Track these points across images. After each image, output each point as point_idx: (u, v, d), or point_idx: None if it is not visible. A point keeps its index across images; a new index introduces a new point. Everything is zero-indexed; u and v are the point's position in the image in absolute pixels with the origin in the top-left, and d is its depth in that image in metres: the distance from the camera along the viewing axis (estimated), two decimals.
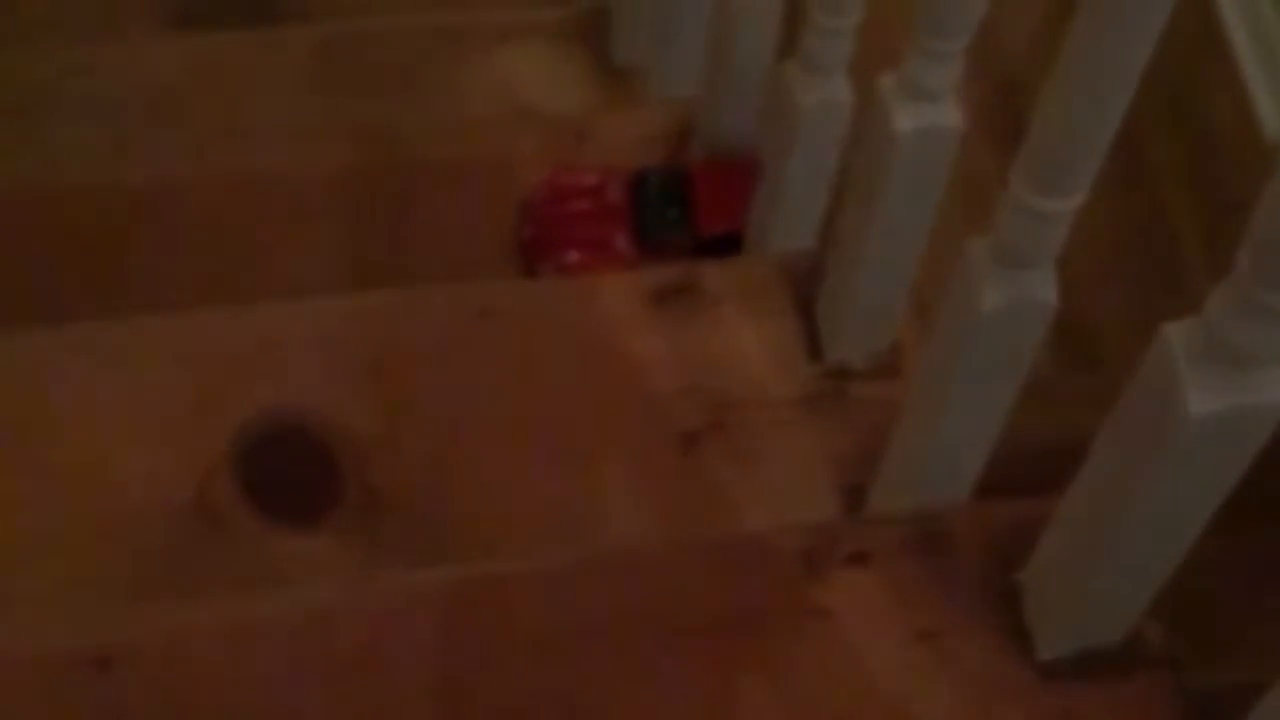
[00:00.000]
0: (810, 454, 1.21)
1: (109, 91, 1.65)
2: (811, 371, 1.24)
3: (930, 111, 1.05)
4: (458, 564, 1.14)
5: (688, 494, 1.20)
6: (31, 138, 1.58)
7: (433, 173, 1.54)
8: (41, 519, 1.16)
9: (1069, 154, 0.88)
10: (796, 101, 1.22)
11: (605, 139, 1.53)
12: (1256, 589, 1.09)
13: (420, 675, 1.02)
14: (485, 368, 1.25)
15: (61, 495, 1.18)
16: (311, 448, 1.20)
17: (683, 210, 1.42)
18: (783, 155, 1.27)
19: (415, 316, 1.29)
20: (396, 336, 1.27)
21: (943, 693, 1.00)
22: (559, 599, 1.05)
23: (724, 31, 1.36)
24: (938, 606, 1.02)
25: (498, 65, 1.69)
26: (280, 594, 1.10)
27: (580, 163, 1.49)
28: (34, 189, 1.50)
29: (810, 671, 1.01)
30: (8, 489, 1.17)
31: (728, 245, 1.40)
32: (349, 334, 1.27)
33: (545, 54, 1.71)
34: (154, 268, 1.46)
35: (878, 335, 1.23)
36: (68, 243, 1.47)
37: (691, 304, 1.27)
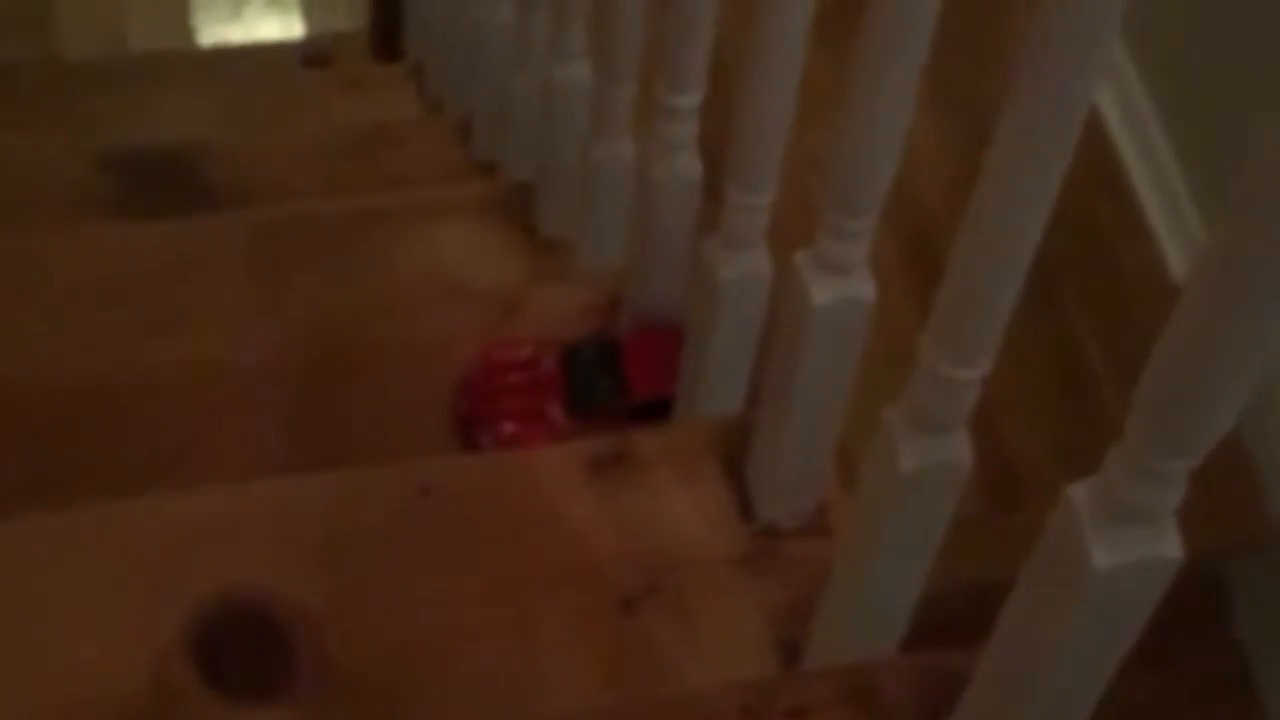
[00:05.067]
0: (746, 612, 1.25)
1: (46, 281, 1.69)
2: (744, 532, 1.29)
3: (844, 284, 1.12)
4: None
5: (629, 655, 1.24)
6: None
7: (369, 352, 1.58)
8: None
9: (974, 327, 0.94)
10: (717, 276, 1.28)
11: (536, 312, 1.59)
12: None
13: None
14: (430, 542, 1.29)
15: (16, 686, 1.21)
16: (265, 626, 1.24)
17: (614, 378, 1.48)
18: (707, 327, 1.33)
19: (360, 495, 1.33)
20: (342, 515, 1.31)
21: None
22: None
23: (645, 207, 1.43)
24: None
25: (428, 243, 1.75)
26: None
27: (512, 336, 1.55)
28: None
29: None
30: None
31: (659, 409, 1.46)
32: (295, 514, 1.31)
33: (473, 230, 1.77)
34: (95, 457, 1.49)
35: (805, 495, 1.29)
36: (6, 435, 1.50)
37: (626, 471, 1.33)
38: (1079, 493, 0.84)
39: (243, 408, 1.54)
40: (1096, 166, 1.62)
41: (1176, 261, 1.56)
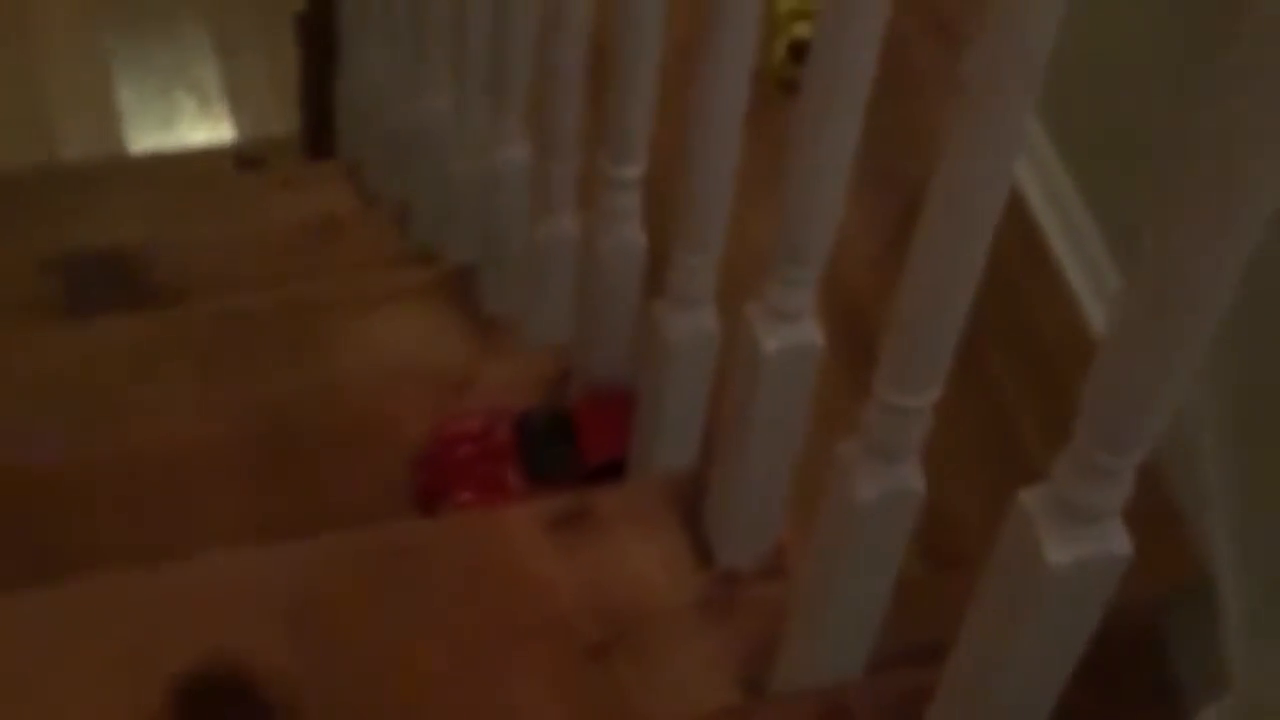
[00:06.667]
0: (711, 655, 1.30)
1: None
2: (704, 578, 1.34)
3: (793, 331, 1.18)
4: None
5: (600, 702, 1.29)
6: None
7: (325, 432, 1.62)
8: None
9: (921, 355, 1.01)
10: (667, 336, 1.34)
11: (488, 386, 1.64)
12: None
13: None
14: (400, 602, 1.34)
15: None
16: (244, 691, 1.27)
17: (568, 445, 1.53)
18: (658, 386, 1.38)
19: (329, 560, 1.37)
20: (314, 580, 1.35)
21: None
22: None
23: (592, 277, 1.48)
24: None
25: (375, 328, 1.80)
26: None
27: (467, 408, 1.60)
28: None
29: None
30: None
31: (612, 473, 1.51)
32: (268, 581, 1.35)
33: (419, 313, 1.82)
34: (58, 543, 1.52)
35: (763, 539, 1.34)
36: None
37: (587, 527, 1.38)
38: (1030, 496, 0.90)
39: (203, 493, 1.57)
40: (1018, 239, 1.69)
41: (1098, 322, 1.63)
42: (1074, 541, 0.89)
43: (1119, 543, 0.90)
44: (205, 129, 2.83)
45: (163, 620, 1.32)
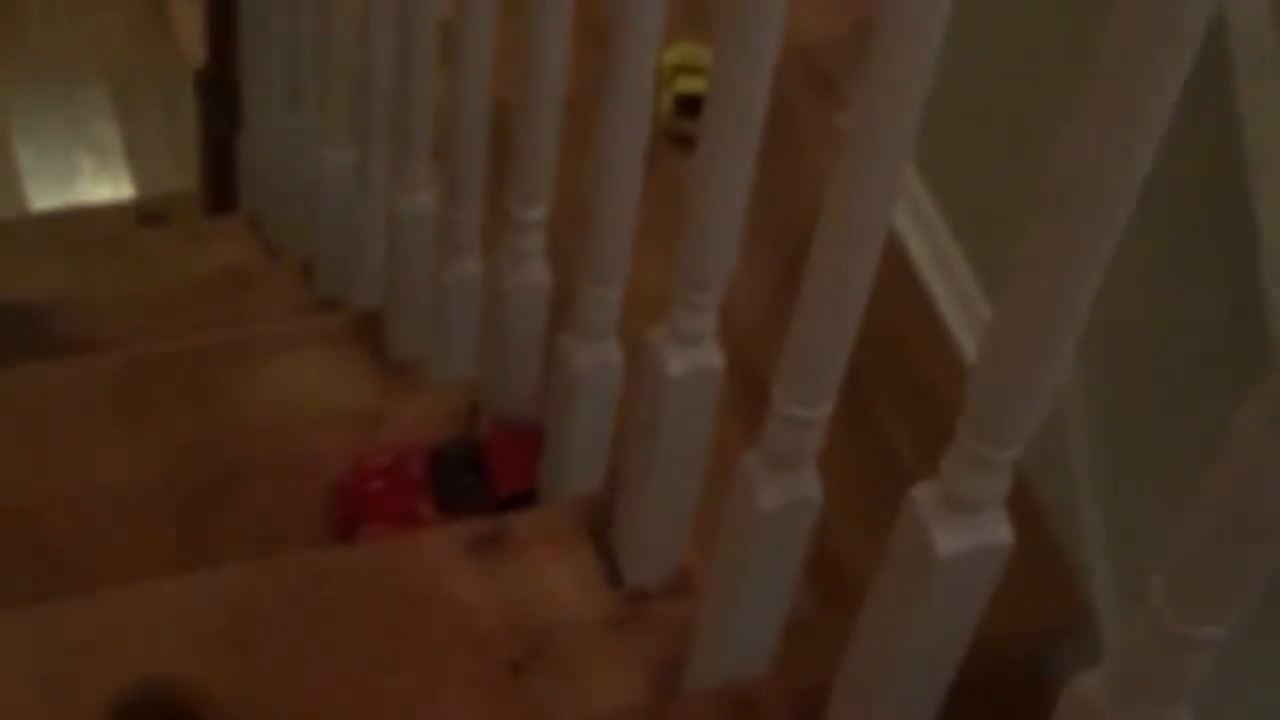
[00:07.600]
0: (624, 668, 1.37)
1: None
2: (615, 597, 1.41)
3: (695, 354, 1.26)
4: None
5: (521, 714, 1.35)
6: None
7: (242, 474, 1.66)
8: None
9: (815, 371, 1.09)
10: (574, 366, 1.42)
11: (399, 424, 1.69)
12: None
13: None
14: (326, 624, 1.40)
15: None
16: (179, 714, 1.33)
17: (479, 476, 1.60)
18: (566, 414, 1.46)
19: (257, 586, 1.43)
20: (243, 605, 1.40)
21: None
22: None
23: (498, 316, 1.55)
24: None
25: (285, 373, 1.84)
26: None
27: (381, 444, 1.66)
28: None
29: None
30: None
31: (522, 503, 1.58)
32: (198, 607, 1.40)
33: (328, 358, 1.86)
34: None
35: (669, 559, 1.41)
36: None
37: (502, 549, 1.44)
38: (921, 492, 0.99)
39: (122, 534, 1.61)
40: (899, 288, 1.77)
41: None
42: (962, 531, 0.98)
43: (1003, 532, 0.99)
44: (106, 186, 2.87)
45: (93, 647, 1.37)
